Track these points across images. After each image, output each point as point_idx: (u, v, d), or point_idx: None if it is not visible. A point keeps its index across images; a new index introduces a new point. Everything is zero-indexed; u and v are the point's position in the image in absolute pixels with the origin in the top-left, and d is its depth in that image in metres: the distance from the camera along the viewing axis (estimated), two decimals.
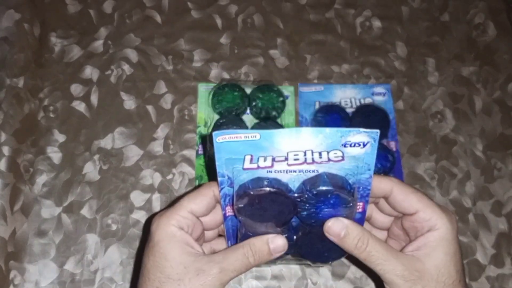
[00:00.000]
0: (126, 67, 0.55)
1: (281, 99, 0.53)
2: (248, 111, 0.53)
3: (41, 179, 0.50)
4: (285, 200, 0.32)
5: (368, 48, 0.58)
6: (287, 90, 0.55)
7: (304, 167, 0.31)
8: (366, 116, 0.53)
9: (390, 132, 0.53)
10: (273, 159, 0.31)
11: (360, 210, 0.35)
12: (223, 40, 0.58)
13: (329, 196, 0.32)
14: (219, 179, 0.32)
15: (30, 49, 0.53)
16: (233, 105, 0.52)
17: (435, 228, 0.33)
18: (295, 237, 0.35)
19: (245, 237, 0.34)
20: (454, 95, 0.57)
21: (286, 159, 0.31)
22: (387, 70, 0.57)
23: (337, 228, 0.33)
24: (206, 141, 0.51)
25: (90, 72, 0.55)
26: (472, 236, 0.50)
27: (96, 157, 0.51)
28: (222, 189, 0.33)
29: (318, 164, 0.31)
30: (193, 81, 0.55)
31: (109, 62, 0.55)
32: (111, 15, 0.58)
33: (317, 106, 0.54)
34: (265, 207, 0.32)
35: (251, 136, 0.30)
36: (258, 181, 0.32)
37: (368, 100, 0.55)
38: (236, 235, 0.35)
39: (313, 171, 0.32)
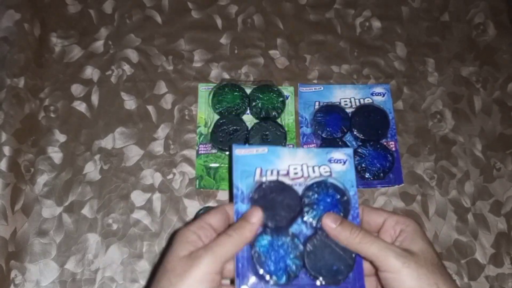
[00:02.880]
0: (126, 67, 0.55)
1: (281, 99, 0.53)
2: (248, 111, 0.53)
3: (42, 179, 0.50)
4: (292, 192, 0.38)
5: (368, 48, 0.58)
6: (287, 90, 0.55)
7: (302, 181, 0.39)
8: (366, 116, 0.53)
9: (390, 132, 0.53)
10: (278, 173, 0.39)
11: None
12: (223, 40, 0.58)
13: (327, 187, 0.39)
14: (234, 191, 0.37)
15: (30, 49, 0.53)
16: (233, 105, 0.52)
17: (406, 227, 0.36)
18: (303, 247, 0.38)
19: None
20: (454, 95, 0.57)
21: (288, 173, 0.39)
22: (387, 70, 0.57)
23: (331, 218, 0.37)
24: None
25: (90, 72, 0.55)
26: (471, 236, 0.51)
27: (96, 157, 0.51)
28: (236, 203, 0.37)
29: (313, 179, 0.39)
30: (193, 81, 0.55)
31: (109, 62, 0.56)
32: (111, 15, 0.58)
33: (317, 106, 0.54)
34: (275, 199, 0.37)
35: (261, 150, 0.39)
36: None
37: (367, 100, 0.55)
38: (247, 264, 0.37)
39: None
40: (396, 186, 0.52)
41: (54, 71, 0.55)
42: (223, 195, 0.51)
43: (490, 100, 0.57)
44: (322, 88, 0.55)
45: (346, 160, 0.40)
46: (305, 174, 0.39)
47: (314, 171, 0.39)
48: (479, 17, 0.61)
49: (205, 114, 0.53)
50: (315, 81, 0.56)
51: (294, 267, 0.37)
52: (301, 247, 0.38)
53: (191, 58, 0.56)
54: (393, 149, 0.53)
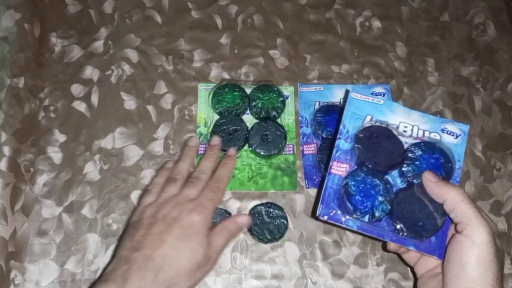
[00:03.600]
0: (126, 67, 0.55)
1: (281, 99, 0.53)
2: (248, 111, 0.53)
3: (42, 179, 0.50)
4: (398, 142, 0.39)
5: (368, 48, 0.58)
6: (287, 90, 0.55)
7: (410, 140, 0.39)
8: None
9: None
10: (387, 125, 0.39)
11: None
12: (223, 40, 0.58)
13: (435, 149, 0.39)
14: (340, 128, 0.39)
15: (30, 49, 0.53)
16: (233, 105, 0.52)
17: None
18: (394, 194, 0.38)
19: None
20: (454, 95, 0.57)
21: (398, 128, 0.39)
22: (387, 70, 0.57)
23: (432, 174, 0.38)
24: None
25: (90, 72, 0.55)
26: None
27: (96, 157, 0.51)
28: (339, 139, 0.40)
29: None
30: (193, 81, 0.55)
31: (109, 62, 0.56)
32: (111, 15, 0.58)
33: (317, 106, 0.54)
34: (379, 143, 0.39)
35: (376, 100, 0.40)
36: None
37: None
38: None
39: None
40: None
41: (54, 71, 0.55)
42: None
43: (490, 100, 0.57)
44: (322, 88, 0.55)
45: (459, 135, 0.40)
46: (414, 135, 0.40)
47: (423, 135, 0.40)
48: (479, 17, 0.61)
49: (205, 114, 0.53)
50: (315, 81, 0.56)
51: (380, 210, 0.37)
52: (392, 194, 0.38)
53: (191, 58, 0.56)
54: None
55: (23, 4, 0.54)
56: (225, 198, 0.51)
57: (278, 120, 0.53)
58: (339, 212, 0.38)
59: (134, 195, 0.50)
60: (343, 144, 0.39)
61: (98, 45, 0.56)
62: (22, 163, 0.49)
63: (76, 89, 0.54)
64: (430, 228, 0.37)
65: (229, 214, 0.49)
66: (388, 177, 0.39)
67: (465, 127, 0.41)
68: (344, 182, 0.38)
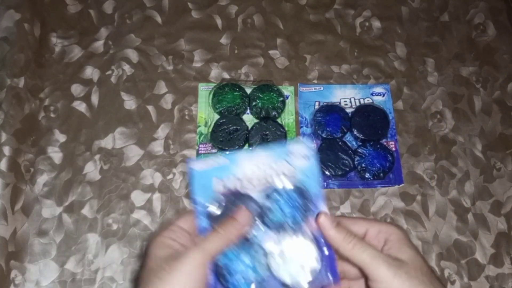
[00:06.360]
0: (126, 67, 0.55)
1: (281, 99, 0.53)
2: (248, 111, 0.53)
3: (42, 179, 0.50)
4: (250, 200, 0.35)
5: (367, 48, 0.58)
6: (287, 90, 0.55)
7: (263, 182, 0.35)
8: (366, 116, 0.53)
9: (390, 132, 0.53)
10: (237, 180, 0.35)
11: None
12: (223, 40, 0.58)
13: (283, 194, 0.36)
14: (194, 206, 0.34)
15: (30, 49, 0.53)
16: (233, 105, 0.52)
17: (390, 235, 0.35)
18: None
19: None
20: (454, 95, 0.57)
21: (246, 177, 0.35)
22: (387, 70, 0.57)
23: (328, 219, 0.35)
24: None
25: (90, 72, 0.55)
26: (471, 236, 0.51)
27: (96, 157, 0.51)
28: (198, 218, 0.35)
29: (269, 186, 0.35)
30: (193, 81, 0.55)
31: (109, 62, 0.56)
32: (111, 16, 0.58)
33: (317, 106, 0.54)
34: (231, 209, 0.35)
35: (221, 161, 0.35)
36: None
37: (367, 100, 0.55)
38: None
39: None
40: (396, 186, 0.52)
41: (54, 71, 0.55)
42: None
43: (490, 100, 0.57)
44: (322, 88, 0.55)
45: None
46: (264, 177, 0.36)
47: (274, 169, 0.35)
48: (479, 17, 0.61)
49: (205, 113, 0.53)
50: (315, 81, 0.56)
51: (259, 279, 0.34)
52: (263, 257, 0.35)
53: (191, 58, 0.56)
54: (393, 149, 0.53)
55: (23, 4, 0.54)
56: None
57: (278, 120, 0.53)
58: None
59: (134, 195, 0.50)
60: (202, 220, 0.35)
61: (98, 45, 0.56)
62: (22, 163, 0.49)
63: (76, 89, 0.54)
64: (309, 273, 0.34)
65: None
66: (255, 236, 0.35)
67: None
68: (214, 264, 0.34)
